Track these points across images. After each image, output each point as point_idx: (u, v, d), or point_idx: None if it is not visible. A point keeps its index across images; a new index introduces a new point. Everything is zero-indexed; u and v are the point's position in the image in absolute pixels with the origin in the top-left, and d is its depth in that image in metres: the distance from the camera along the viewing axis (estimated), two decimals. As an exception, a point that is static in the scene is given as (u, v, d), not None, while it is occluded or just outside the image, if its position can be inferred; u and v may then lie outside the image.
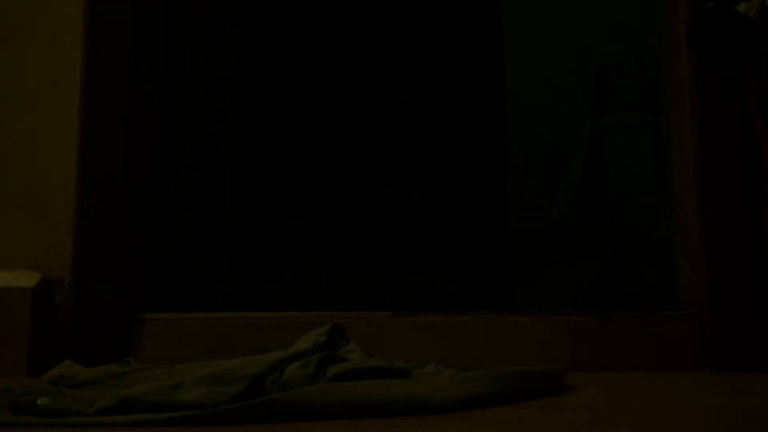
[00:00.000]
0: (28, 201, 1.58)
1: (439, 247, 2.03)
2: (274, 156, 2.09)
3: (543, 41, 3.45)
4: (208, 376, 1.03)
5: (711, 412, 1.10)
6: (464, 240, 2.04)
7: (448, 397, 1.08)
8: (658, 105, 3.05)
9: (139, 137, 1.67)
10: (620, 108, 3.29)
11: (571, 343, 1.57)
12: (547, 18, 3.47)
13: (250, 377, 1.04)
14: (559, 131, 3.35)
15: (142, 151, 1.68)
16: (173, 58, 1.97)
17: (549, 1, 3.47)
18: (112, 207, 1.60)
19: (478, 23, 2.13)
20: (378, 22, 2.12)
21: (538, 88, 3.39)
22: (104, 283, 1.57)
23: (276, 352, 1.19)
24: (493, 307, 1.73)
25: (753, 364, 1.49)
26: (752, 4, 1.35)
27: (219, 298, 1.96)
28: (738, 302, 1.54)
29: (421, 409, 1.05)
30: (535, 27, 3.47)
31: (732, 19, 1.37)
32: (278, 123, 2.11)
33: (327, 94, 2.11)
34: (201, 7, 2.09)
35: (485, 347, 1.57)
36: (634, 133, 3.23)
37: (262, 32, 2.11)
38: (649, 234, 2.42)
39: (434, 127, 2.09)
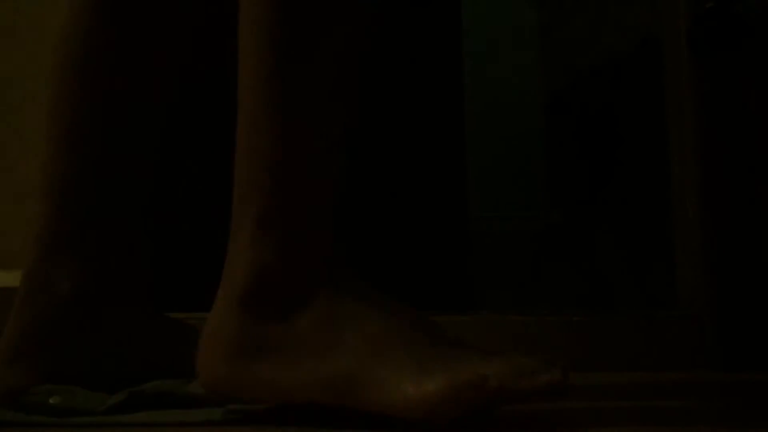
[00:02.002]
0: (29, 201, 1.58)
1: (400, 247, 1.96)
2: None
3: (543, 40, 3.46)
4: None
5: (711, 412, 1.10)
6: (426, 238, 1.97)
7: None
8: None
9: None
10: (619, 108, 3.29)
11: (571, 343, 1.57)
12: (548, 16, 3.47)
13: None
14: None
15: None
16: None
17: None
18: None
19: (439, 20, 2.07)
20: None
21: (538, 88, 3.39)
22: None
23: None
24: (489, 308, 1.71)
25: (753, 364, 1.49)
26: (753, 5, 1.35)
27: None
28: (738, 302, 1.55)
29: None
30: (535, 26, 3.48)
31: (732, 19, 1.37)
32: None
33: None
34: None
35: (485, 347, 1.56)
36: (634, 132, 3.22)
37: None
38: (648, 234, 2.42)
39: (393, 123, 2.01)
